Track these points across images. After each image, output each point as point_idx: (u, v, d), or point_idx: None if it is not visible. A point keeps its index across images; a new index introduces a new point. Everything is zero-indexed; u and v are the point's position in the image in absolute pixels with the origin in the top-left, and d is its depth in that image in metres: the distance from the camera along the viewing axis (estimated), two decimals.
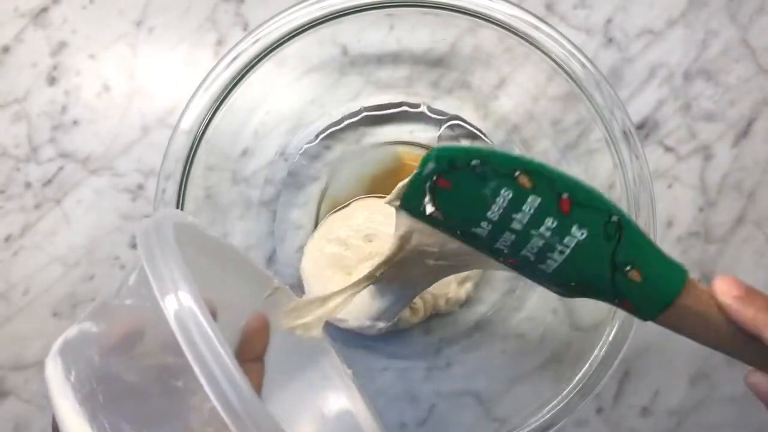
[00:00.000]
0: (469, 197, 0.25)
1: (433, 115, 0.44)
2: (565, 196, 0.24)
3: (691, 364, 0.44)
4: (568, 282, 0.26)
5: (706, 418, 0.45)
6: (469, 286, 0.42)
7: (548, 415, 0.37)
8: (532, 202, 0.25)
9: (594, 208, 0.25)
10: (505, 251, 0.26)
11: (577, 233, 0.25)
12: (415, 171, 0.26)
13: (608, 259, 0.25)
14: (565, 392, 0.37)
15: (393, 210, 0.42)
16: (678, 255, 0.45)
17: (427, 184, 0.26)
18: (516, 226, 0.25)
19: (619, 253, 0.25)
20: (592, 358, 0.37)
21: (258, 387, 0.30)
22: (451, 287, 0.41)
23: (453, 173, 0.25)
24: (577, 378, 0.37)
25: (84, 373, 0.23)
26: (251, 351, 0.30)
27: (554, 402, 0.37)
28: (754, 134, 0.45)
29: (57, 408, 0.22)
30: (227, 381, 0.19)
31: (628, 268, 0.25)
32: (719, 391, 0.44)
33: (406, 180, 0.27)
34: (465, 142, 0.44)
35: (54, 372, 0.23)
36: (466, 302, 0.43)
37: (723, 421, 0.44)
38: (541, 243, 0.25)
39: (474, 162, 0.25)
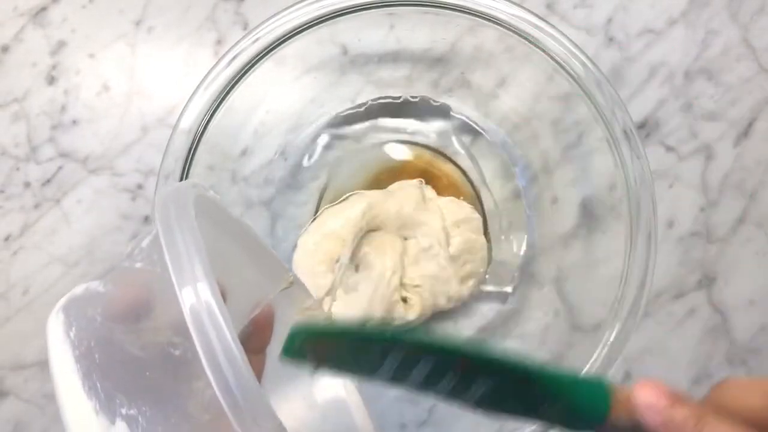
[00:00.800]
0: (353, 361, 0.23)
1: (435, 114, 0.44)
2: (457, 357, 0.22)
3: (693, 365, 0.44)
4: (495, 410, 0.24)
5: None
6: (471, 283, 0.42)
7: None
8: (425, 364, 0.22)
9: (493, 367, 0.22)
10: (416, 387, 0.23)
11: (484, 383, 0.22)
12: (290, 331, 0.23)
13: (524, 400, 0.23)
14: None
15: (389, 198, 0.42)
16: (679, 255, 0.45)
17: (303, 354, 0.23)
18: (415, 378, 0.22)
19: (533, 396, 0.23)
20: (593, 359, 0.37)
21: (258, 378, 0.30)
22: (451, 284, 0.41)
23: (327, 343, 0.23)
24: None
25: (84, 330, 0.22)
26: (258, 342, 0.30)
27: None
28: (756, 134, 0.45)
29: (52, 362, 0.21)
30: (240, 387, 0.19)
31: (545, 405, 0.23)
32: None
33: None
34: (466, 139, 0.44)
35: (55, 326, 0.22)
36: (470, 299, 0.43)
37: None
38: (448, 388, 0.23)
39: (338, 342, 0.23)
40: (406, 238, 0.42)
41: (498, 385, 0.22)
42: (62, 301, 0.23)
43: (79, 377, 0.21)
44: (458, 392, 0.23)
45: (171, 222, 0.21)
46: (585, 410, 0.22)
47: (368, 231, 0.41)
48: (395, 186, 0.43)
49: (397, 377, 0.23)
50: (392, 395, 0.43)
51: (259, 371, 0.30)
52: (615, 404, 0.22)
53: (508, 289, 0.44)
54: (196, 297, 0.20)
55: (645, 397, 0.21)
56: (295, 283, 0.32)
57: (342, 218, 0.41)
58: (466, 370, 0.22)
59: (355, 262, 0.41)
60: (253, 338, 0.30)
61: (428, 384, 0.22)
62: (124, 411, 0.20)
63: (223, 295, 0.26)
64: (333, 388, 0.33)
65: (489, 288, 0.44)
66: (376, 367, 0.22)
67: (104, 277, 0.24)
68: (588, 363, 0.37)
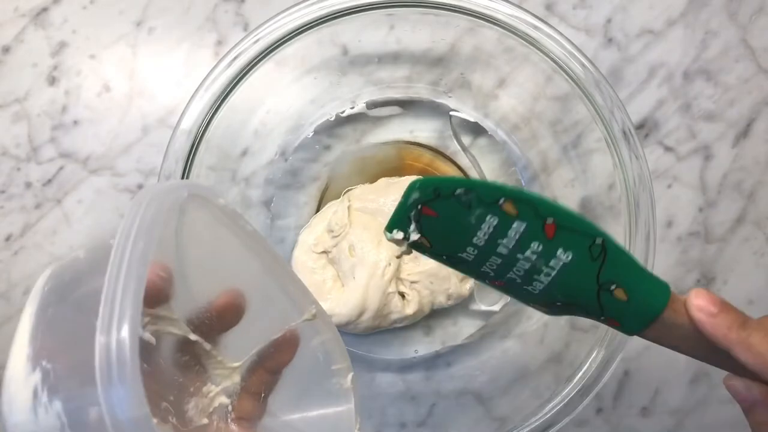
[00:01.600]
0: (454, 225, 0.26)
1: (435, 114, 0.44)
2: (549, 221, 0.25)
3: (691, 364, 0.44)
4: (554, 302, 0.27)
5: (706, 418, 0.45)
6: (471, 282, 0.42)
7: (548, 415, 0.37)
8: (517, 227, 0.25)
9: (578, 231, 0.25)
10: (492, 274, 0.27)
11: (563, 256, 0.25)
12: (399, 200, 0.27)
13: (594, 279, 0.26)
14: (565, 392, 0.37)
15: (389, 187, 0.42)
16: (678, 255, 0.45)
17: (412, 213, 0.26)
18: (502, 250, 0.26)
19: (604, 273, 0.25)
20: (592, 358, 0.37)
21: (264, 396, 0.31)
22: (451, 282, 0.41)
23: (438, 201, 0.26)
24: (577, 378, 0.37)
25: (54, 287, 0.24)
26: (275, 363, 0.31)
27: (554, 402, 0.37)
28: (754, 134, 0.45)
29: (25, 308, 0.24)
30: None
31: (613, 287, 0.26)
32: (719, 391, 0.44)
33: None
34: (466, 139, 0.44)
35: (41, 279, 0.25)
36: (470, 298, 0.43)
37: (723, 421, 0.44)
38: (527, 266, 0.26)
39: (459, 191, 0.25)
40: None
41: (574, 260, 0.25)
42: (61, 261, 0.26)
43: (31, 326, 0.23)
44: (534, 271, 0.26)
45: (131, 228, 0.21)
46: (644, 300, 0.25)
47: (363, 217, 0.41)
48: (402, 179, 0.43)
49: (489, 245, 0.26)
50: (392, 395, 0.43)
51: (267, 389, 0.31)
52: (671, 304, 0.25)
53: (496, 307, 0.44)
54: (109, 336, 0.19)
55: (698, 300, 0.25)
56: (318, 317, 0.32)
57: (332, 212, 0.42)
58: (555, 234, 0.25)
59: (351, 248, 0.41)
60: (271, 359, 0.31)
61: (515, 250, 0.26)
62: (43, 363, 0.22)
63: (242, 305, 0.28)
64: (342, 426, 0.32)
65: (480, 307, 0.44)
66: (474, 229, 0.26)
67: (88, 246, 0.26)
68: (587, 362, 0.37)
